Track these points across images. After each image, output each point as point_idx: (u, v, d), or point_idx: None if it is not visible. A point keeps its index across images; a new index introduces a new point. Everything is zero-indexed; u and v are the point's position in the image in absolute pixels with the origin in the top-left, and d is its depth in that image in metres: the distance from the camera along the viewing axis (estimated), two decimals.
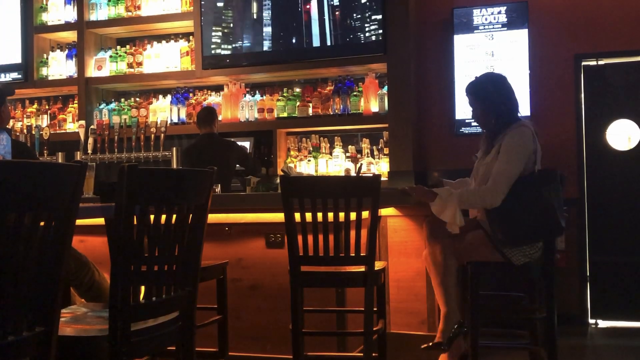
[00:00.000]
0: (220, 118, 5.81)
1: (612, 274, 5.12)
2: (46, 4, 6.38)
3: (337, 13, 5.43)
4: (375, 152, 5.46)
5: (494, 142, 3.33)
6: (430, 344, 3.18)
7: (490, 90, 3.35)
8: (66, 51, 6.32)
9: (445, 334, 3.16)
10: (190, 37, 5.98)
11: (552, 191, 3.17)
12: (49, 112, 6.41)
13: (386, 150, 5.38)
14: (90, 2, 6.20)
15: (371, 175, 3.42)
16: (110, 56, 6.21)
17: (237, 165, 5.25)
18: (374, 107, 5.41)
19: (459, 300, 3.26)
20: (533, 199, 3.14)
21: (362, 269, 2.95)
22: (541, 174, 3.22)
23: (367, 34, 5.37)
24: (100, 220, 2.62)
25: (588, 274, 5.16)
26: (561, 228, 3.19)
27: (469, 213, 3.53)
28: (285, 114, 5.63)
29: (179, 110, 5.92)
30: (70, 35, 6.30)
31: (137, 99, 6.26)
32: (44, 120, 6.35)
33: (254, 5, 5.66)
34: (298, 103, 5.61)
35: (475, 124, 5.25)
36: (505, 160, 3.17)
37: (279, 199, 2.98)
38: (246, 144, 5.61)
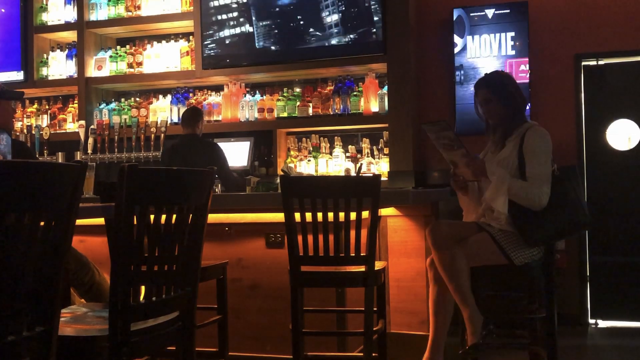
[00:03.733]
0: (220, 118, 5.82)
1: (612, 274, 5.12)
2: (46, 4, 6.38)
3: (337, 13, 5.43)
4: (375, 152, 5.46)
5: (507, 138, 3.34)
6: (467, 347, 3.13)
7: (508, 84, 3.38)
8: (66, 51, 6.32)
9: (476, 335, 3.11)
10: (190, 37, 5.99)
11: (575, 186, 3.24)
12: (49, 112, 6.41)
13: (386, 150, 5.38)
14: (90, 2, 6.20)
15: (371, 175, 3.42)
16: (110, 56, 6.21)
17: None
18: (374, 107, 5.41)
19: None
20: (562, 195, 3.18)
21: (362, 269, 2.95)
22: (563, 170, 3.26)
23: (367, 34, 5.37)
24: (100, 220, 2.62)
25: (588, 274, 5.16)
26: (590, 221, 3.29)
27: (462, 216, 3.53)
28: (285, 114, 5.63)
29: (179, 110, 5.91)
30: (70, 35, 6.30)
31: (137, 99, 6.26)
32: (44, 120, 6.35)
33: (254, 5, 5.66)
34: (298, 103, 5.61)
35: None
36: (539, 162, 3.20)
37: (279, 199, 2.98)
38: (246, 144, 5.61)
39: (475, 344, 3.10)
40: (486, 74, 3.59)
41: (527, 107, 4.99)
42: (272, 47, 5.62)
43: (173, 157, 5.10)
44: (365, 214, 2.95)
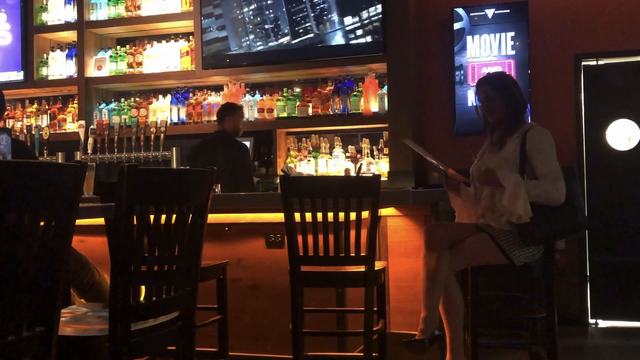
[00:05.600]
0: None
1: (612, 274, 5.12)
2: (46, 4, 6.38)
3: (337, 13, 5.43)
4: (375, 152, 5.46)
5: (508, 137, 3.34)
6: (412, 340, 3.18)
7: (510, 84, 3.40)
8: (66, 51, 6.32)
9: (425, 333, 3.17)
10: (190, 37, 5.99)
11: (574, 187, 3.26)
12: (48, 112, 6.41)
13: (386, 150, 5.38)
14: (90, 2, 6.20)
15: (371, 175, 3.42)
16: (110, 56, 6.21)
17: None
18: (374, 107, 5.41)
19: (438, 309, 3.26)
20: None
21: (362, 269, 2.95)
22: (562, 171, 3.27)
23: (367, 34, 5.37)
24: (100, 220, 2.62)
25: (588, 274, 5.16)
26: (587, 222, 3.34)
27: (455, 217, 3.54)
28: (285, 114, 5.63)
29: (179, 110, 5.92)
30: (70, 35, 6.30)
31: (137, 99, 6.26)
32: (44, 120, 6.35)
33: (254, 5, 5.66)
34: (298, 103, 5.61)
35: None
36: (547, 159, 3.23)
37: (279, 199, 2.98)
38: (246, 144, 5.60)
39: (422, 340, 3.14)
40: (488, 73, 3.63)
41: (528, 108, 5.03)
42: (272, 47, 5.62)
43: (198, 154, 5.04)
44: (365, 214, 2.95)
